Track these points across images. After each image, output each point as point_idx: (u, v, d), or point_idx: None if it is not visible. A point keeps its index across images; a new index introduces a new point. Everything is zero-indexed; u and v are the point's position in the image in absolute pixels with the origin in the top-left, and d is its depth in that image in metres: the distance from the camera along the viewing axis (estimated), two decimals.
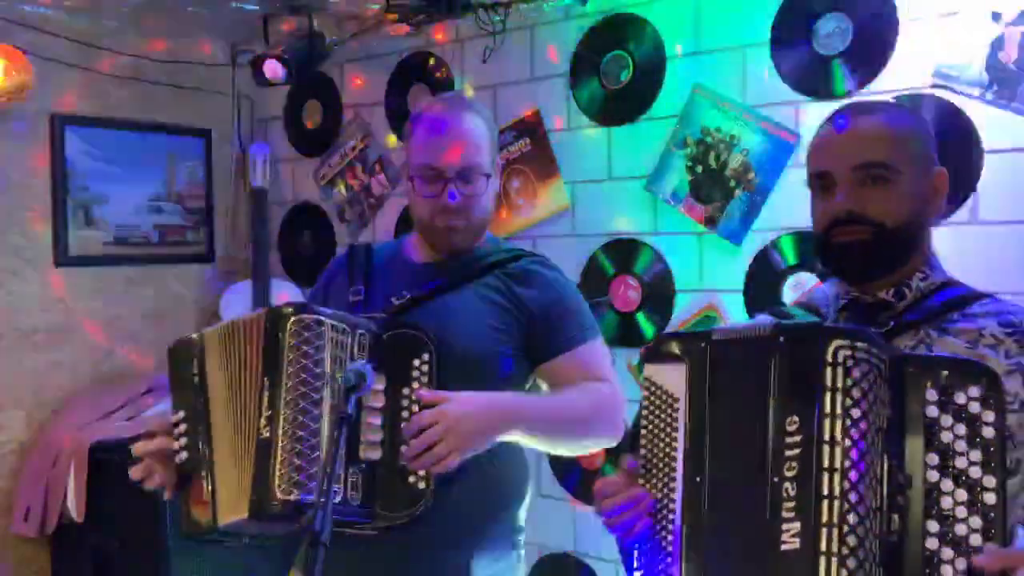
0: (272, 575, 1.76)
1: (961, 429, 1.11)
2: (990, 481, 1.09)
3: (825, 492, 1.08)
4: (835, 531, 1.07)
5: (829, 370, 1.11)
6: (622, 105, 3.04)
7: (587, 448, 1.91)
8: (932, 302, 1.35)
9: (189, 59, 3.88)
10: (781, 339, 1.17)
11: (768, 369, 1.16)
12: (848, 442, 1.09)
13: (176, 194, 3.91)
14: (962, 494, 1.10)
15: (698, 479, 1.22)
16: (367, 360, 1.63)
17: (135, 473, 1.72)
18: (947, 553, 1.09)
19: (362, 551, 1.69)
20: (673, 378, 1.27)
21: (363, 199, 3.76)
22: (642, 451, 1.29)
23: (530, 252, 1.92)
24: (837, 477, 1.08)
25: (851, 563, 1.06)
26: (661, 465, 1.27)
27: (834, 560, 1.06)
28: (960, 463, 1.11)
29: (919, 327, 1.33)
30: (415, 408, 1.65)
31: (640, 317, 3.02)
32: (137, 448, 1.72)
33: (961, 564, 1.08)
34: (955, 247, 2.42)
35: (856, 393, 1.10)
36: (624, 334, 3.01)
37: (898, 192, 1.35)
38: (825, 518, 1.07)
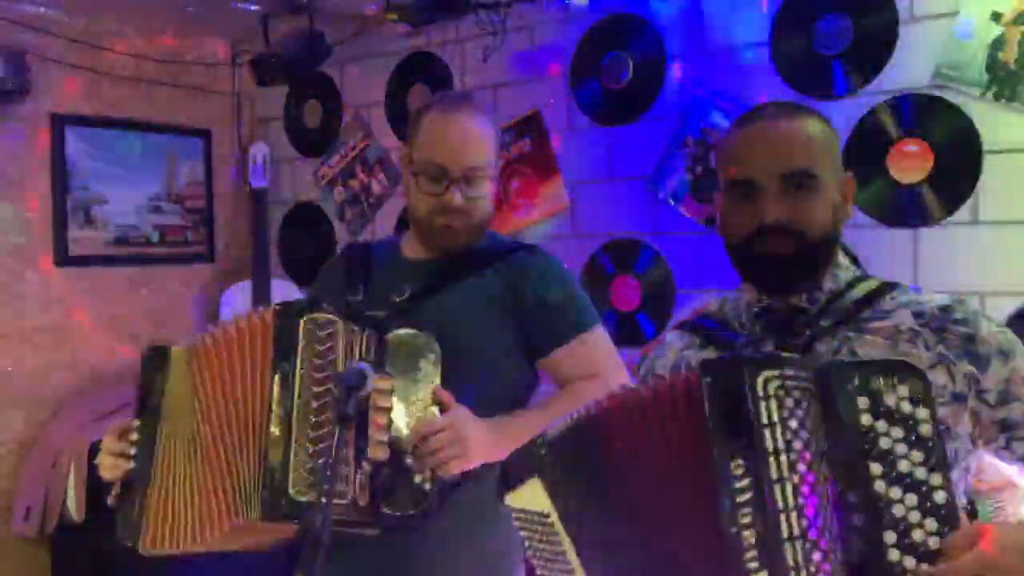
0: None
1: (898, 432, 1.07)
2: (936, 479, 1.06)
3: (785, 534, 1.02)
4: (803, 573, 1.01)
5: (763, 404, 1.05)
6: (622, 105, 3.04)
7: None
8: (843, 302, 1.33)
9: (189, 59, 3.89)
10: (707, 380, 1.09)
11: (701, 415, 1.08)
12: (796, 477, 1.04)
13: (176, 194, 3.91)
14: (912, 498, 1.05)
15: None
16: (373, 359, 1.63)
17: (103, 469, 1.70)
18: (910, 562, 1.04)
19: (364, 552, 1.69)
20: (536, 496, 1.23)
21: (363, 199, 3.76)
22: None
23: (527, 245, 1.91)
24: (794, 516, 1.02)
25: None
26: None
27: None
28: (904, 467, 1.06)
29: (836, 330, 1.31)
30: (421, 406, 1.65)
31: (640, 317, 3.02)
32: (104, 442, 1.71)
33: (926, 568, 1.04)
34: (955, 247, 2.43)
35: (793, 424, 1.06)
36: (624, 334, 3.01)
37: (821, 200, 1.32)
38: (791, 561, 1.02)
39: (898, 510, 1.06)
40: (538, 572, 1.24)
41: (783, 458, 1.04)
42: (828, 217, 1.33)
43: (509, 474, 1.27)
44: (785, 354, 1.13)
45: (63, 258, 3.57)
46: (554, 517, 1.21)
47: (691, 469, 1.10)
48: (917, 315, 1.29)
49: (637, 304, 3.02)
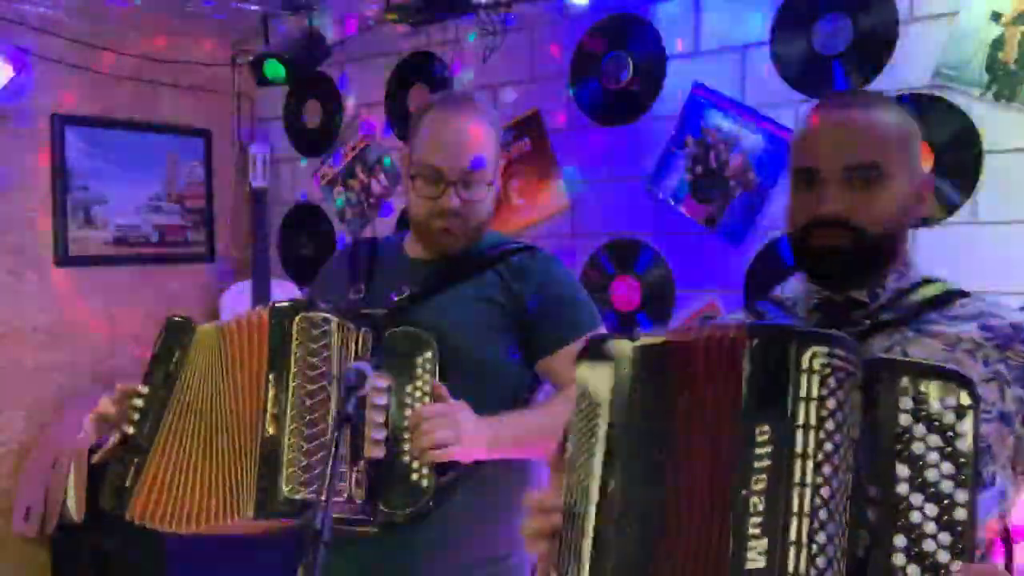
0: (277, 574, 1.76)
1: (934, 440, 1.05)
2: (961, 496, 1.03)
3: (795, 509, 1.01)
4: (804, 551, 1.00)
5: (804, 378, 1.04)
6: (622, 105, 3.04)
7: None
8: (908, 301, 1.29)
9: (189, 59, 3.88)
10: (755, 341, 1.08)
11: (737, 374, 1.08)
12: (821, 456, 1.02)
13: (176, 194, 3.91)
14: (932, 508, 1.03)
15: (613, 486, 1.14)
16: (371, 358, 1.63)
17: (91, 429, 1.70)
18: (913, 569, 1.02)
19: (363, 551, 1.69)
20: (602, 379, 1.19)
21: (363, 199, 3.76)
22: (565, 455, 1.21)
23: (528, 246, 1.89)
24: (808, 493, 1.01)
25: None
26: (582, 473, 1.17)
27: None
28: (931, 476, 1.04)
29: (895, 327, 1.27)
30: (418, 406, 1.65)
31: (640, 317, 3.02)
32: (100, 402, 1.71)
33: None
34: (955, 247, 2.43)
35: (831, 404, 1.04)
36: (624, 334, 3.00)
37: (886, 196, 1.27)
38: (794, 536, 1.00)
39: (915, 516, 1.04)
40: (567, 446, 1.20)
41: (812, 435, 1.03)
42: (892, 214, 1.28)
43: (594, 349, 1.22)
44: (838, 333, 1.09)
45: (63, 258, 3.57)
46: (603, 411, 1.18)
47: (721, 423, 1.09)
48: (985, 328, 1.25)
49: (637, 304, 3.02)
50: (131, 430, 1.67)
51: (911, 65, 2.51)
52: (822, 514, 1.01)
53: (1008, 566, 1.24)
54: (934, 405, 1.05)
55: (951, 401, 1.05)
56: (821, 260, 1.31)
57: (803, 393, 1.04)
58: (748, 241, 2.78)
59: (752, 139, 2.76)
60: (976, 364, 1.22)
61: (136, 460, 1.65)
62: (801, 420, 1.03)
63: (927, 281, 1.33)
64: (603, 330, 1.85)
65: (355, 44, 3.61)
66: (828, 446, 1.03)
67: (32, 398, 3.49)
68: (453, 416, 1.63)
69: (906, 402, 1.06)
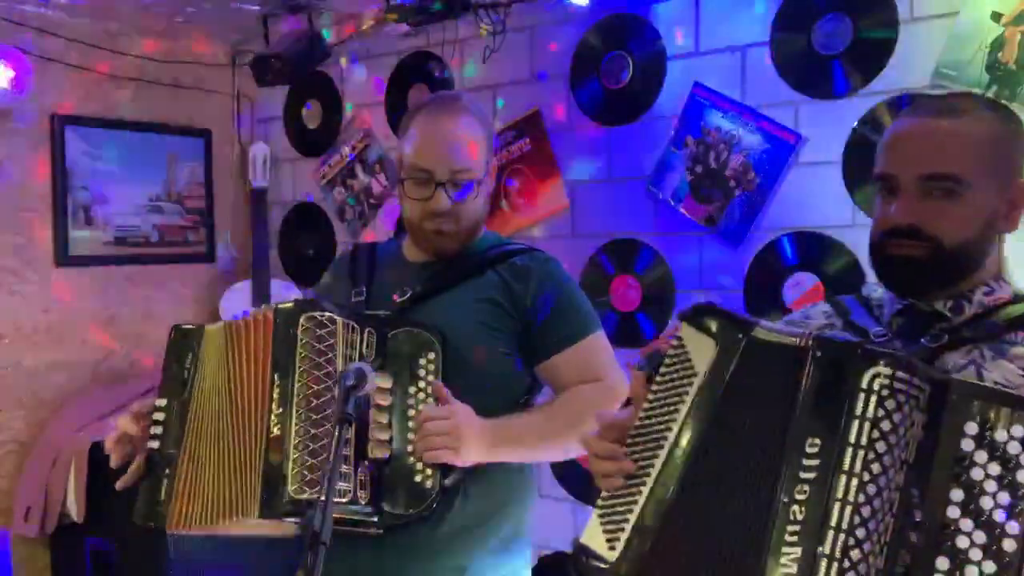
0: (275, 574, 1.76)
1: (994, 468, 1.03)
2: (1013, 528, 1.01)
3: (833, 523, 1.03)
4: (835, 565, 1.02)
5: (862, 396, 1.05)
6: (622, 105, 3.04)
7: (577, 454, 1.89)
8: (996, 317, 1.24)
9: (189, 59, 3.89)
10: (818, 354, 1.10)
11: (798, 382, 1.10)
12: (867, 476, 1.04)
13: (176, 194, 3.91)
14: (980, 536, 1.02)
15: (680, 454, 1.17)
16: (374, 358, 1.63)
17: (113, 451, 1.69)
18: None
19: (367, 551, 1.69)
20: (702, 351, 1.20)
21: (363, 199, 3.76)
22: (649, 402, 1.22)
23: (528, 248, 1.89)
24: (848, 510, 1.03)
25: None
26: (658, 426, 1.20)
27: None
28: (985, 503, 1.03)
29: (975, 344, 1.23)
30: (421, 407, 1.66)
31: (640, 317, 3.02)
32: (118, 424, 1.70)
33: None
34: None
35: (886, 426, 1.04)
36: (624, 334, 3.01)
37: (966, 208, 1.23)
38: (828, 549, 1.03)
39: (962, 542, 1.03)
40: (652, 391, 1.22)
41: (861, 453, 1.04)
42: (972, 226, 1.24)
43: (703, 319, 1.22)
44: (906, 357, 1.09)
45: (63, 258, 3.57)
46: (697, 381, 1.20)
47: (775, 430, 1.11)
48: None
49: (637, 304, 3.02)
50: (155, 445, 1.67)
51: (911, 65, 2.51)
52: (859, 532, 1.03)
53: None
54: (1000, 433, 1.04)
55: (1019, 432, 1.04)
56: (894, 269, 1.29)
57: (858, 412, 1.05)
58: (748, 241, 2.78)
59: (752, 139, 2.76)
60: None
61: (167, 471, 1.65)
62: (853, 438, 1.05)
63: (1020, 298, 1.29)
64: (602, 332, 1.84)
65: (355, 44, 3.61)
66: (876, 467, 1.04)
67: (32, 398, 3.49)
68: (454, 422, 1.63)
69: (971, 427, 1.05)
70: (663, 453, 1.19)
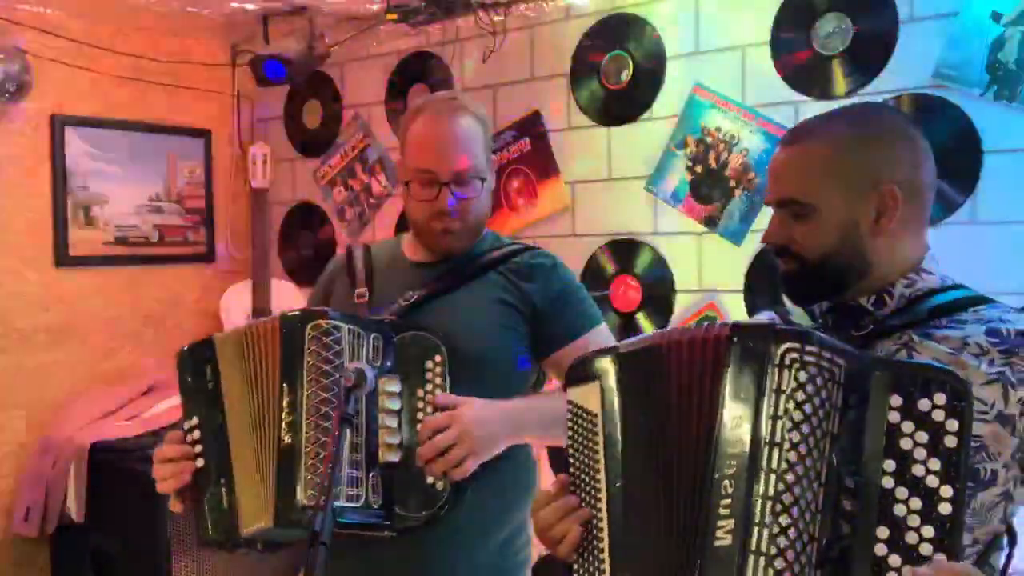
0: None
1: (922, 437, 1.09)
2: (947, 491, 1.07)
3: (760, 492, 1.10)
4: (766, 531, 1.08)
5: (776, 371, 1.12)
6: (622, 105, 3.04)
7: None
8: (920, 307, 1.31)
9: (189, 59, 3.89)
10: (735, 339, 1.17)
11: (721, 369, 1.17)
12: (787, 445, 1.10)
13: (176, 194, 3.92)
14: (916, 502, 1.08)
15: (618, 484, 1.25)
16: (382, 363, 1.63)
17: (163, 485, 1.67)
18: (895, 560, 1.07)
19: (376, 552, 1.69)
20: (589, 399, 1.31)
21: (363, 199, 3.76)
22: (571, 470, 1.32)
23: (530, 246, 1.91)
24: (773, 478, 1.09)
25: (779, 563, 1.07)
26: (587, 479, 1.29)
27: (762, 560, 1.07)
28: (917, 471, 1.09)
29: (903, 331, 1.30)
30: (430, 410, 1.66)
31: (640, 317, 3.02)
32: (158, 453, 1.69)
33: (908, 572, 1.06)
34: (955, 247, 2.43)
35: (800, 396, 1.11)
36: (624, 334, 3.01)
37: (819, 225, 1.31)
38: (758, 518, 1.09)
39: (899, 509, 1.09)
40: (570, 462, 1.32)
41: (779, 423, 1.11)
42: (829, 239, 1.31)
43: (578, 373, 1.34)
44: (817, 333, 1.16)
45: (63, 258, 3.57)
46: (598, 422, 1.29)
47: (701, 414, 1.19)
48: (991, 333, 1.26)
49: (637, 304, 3.02)
50: (201, 462, 1.65)
51: (911, 65, 2.51)
52: (786, 498, 1.09)
53: (1007, 564, 1.27)
54: (924, 403, 1.11)
55: (941, 399, 1.10)
56: (782, 283, 1.39)
57: (774, 385, 1.13)
58: (748, 241, 2.79)
59: (752, 139, 2.77)
60: (981, 366, 1.24)
61: (223, 480, 1.64)
62: (771, 411, 1.12)
63: (945, 288, 1.34)
64: (605, 326, 1.88)
65: (355, 44, 3.61)
66: (795, 435, 1.10)
67: (32, 398, 3.49)
68: (459, 425, 1.63)
69: (896, 399, 1.12)
70: (603, 495, 1.27)
